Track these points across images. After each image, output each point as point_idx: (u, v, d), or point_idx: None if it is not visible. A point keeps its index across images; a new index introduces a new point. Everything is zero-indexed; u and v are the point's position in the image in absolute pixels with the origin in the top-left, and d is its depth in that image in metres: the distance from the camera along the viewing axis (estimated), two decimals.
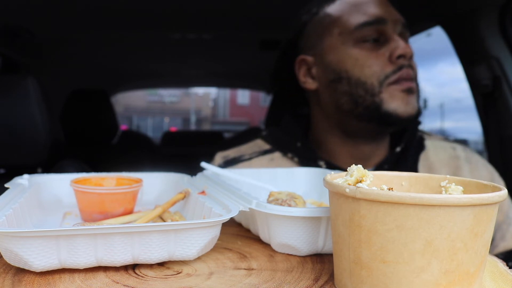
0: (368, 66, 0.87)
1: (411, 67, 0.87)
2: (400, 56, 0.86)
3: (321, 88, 0.94)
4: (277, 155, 0.95)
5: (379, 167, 0.91)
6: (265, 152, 0.96)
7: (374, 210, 0.32)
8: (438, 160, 0.93)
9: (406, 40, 0.91)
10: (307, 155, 0.92)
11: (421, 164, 0.91)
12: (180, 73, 3.26)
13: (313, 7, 0.96)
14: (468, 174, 0.92)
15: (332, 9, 0.93)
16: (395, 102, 0.86)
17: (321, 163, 0.90)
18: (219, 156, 0.99)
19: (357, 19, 0.89)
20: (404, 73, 0.86)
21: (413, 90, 0.87)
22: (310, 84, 0.96)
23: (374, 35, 0.88)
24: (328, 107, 0.93)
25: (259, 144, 1.00)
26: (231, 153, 0.99)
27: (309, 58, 0.95)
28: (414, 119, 0.89)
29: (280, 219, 0.46)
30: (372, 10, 0.89)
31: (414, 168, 0.90)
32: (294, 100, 1.05)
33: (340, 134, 0.94)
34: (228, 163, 0.96)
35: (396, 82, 0.86)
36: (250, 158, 0.95)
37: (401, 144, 0.93)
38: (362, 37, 0.88)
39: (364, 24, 0.88)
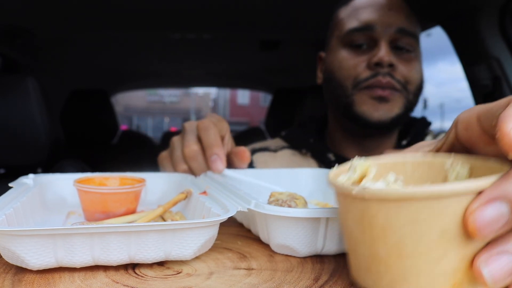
0: (347, 69, 0.91)
1: (391, 75, 0.88)
2: (378, 64, 0.87)
3: (323, 85, 1.02)
4: (294, 152, 1.02)
5: None
6: (283, 148, 1.04)
7: (385, 208, 0.32)
8: None
9: (406, 44, 0.91)
10: (318, 148, 0.98)
11: None
12: (180, 73, 3.26)
13: (335, 7, 1.03)
14: None
15: (341, 11, 0.98)
16: (363, 106, 0.89)
17: (330, 155, 0.95)
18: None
19: (350, 24, 0.93)
20: (376, 81, 0.87)
21: (386, 99, 0.88)
22: (319, 79, 1.05)
23: (362, 40, 0.91)
24: (327, 102, 1.02)
25: (279, 142, 1.07)
26: (256, 145, 1.06)
27: (323, 55, 1.03)
28: (388, 126, 0.91)
29: (278, 220, 0.46)
30: (365, 15, 0.92)
31: None
32: None
33: (342, 128, 0.99)
34: (255, 151, 1.02)
35: (367, 87, 0.89)
36: (275, 150, 1.02)
37: (407, 137, 0.98)
38: (351, 42, 0.92)
39: (353, 30, 0.92)
